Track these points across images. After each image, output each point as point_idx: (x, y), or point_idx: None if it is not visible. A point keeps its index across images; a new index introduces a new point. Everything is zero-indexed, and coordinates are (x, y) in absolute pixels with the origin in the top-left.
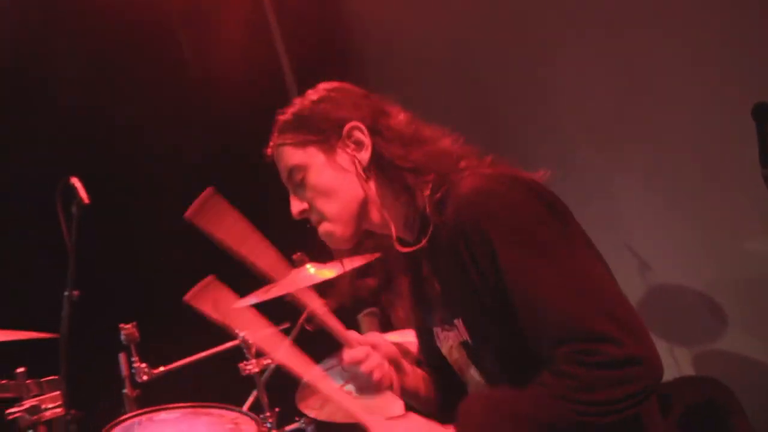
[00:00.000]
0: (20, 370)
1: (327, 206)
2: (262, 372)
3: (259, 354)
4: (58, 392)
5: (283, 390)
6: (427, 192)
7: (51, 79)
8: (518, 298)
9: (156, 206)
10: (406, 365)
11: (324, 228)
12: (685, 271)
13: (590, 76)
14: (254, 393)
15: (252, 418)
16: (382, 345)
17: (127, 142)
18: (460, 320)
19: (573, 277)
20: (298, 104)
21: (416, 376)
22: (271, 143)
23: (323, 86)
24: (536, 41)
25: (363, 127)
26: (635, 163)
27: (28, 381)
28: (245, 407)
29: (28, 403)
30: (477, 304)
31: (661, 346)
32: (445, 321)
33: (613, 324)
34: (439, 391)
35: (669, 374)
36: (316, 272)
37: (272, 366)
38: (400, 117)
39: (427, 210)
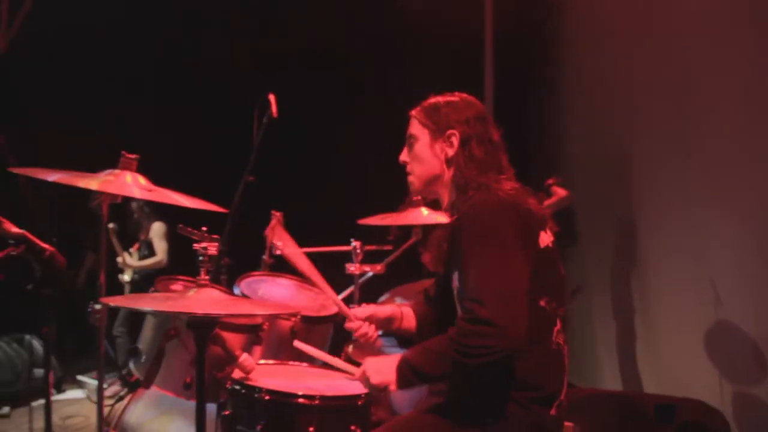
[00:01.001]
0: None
1: (415, 167)
2: (360, 275)
3: (363, 261)
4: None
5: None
6: (468, 192)
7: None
8: (462, 269)
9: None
10: (399, 315)
11: (409, 178)
12: (756, 317)
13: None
14: (350, 288)
15: (338, 305)
16: (375, 314)
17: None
18: (456, 274)
19: (491, 269)
20: (438, 99)
21: (408, 320)
22: (413, 111)
23: (458, 95)
24: None
25: (458, 137)
26: (737, 205)
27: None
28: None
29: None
30: None
31: (711, 375)
32: (452, 272)
33: (496, 301)
34: (426, 322)
35: (712, 399)
36: (428, 215)
37: (370, 273)
38: (483, 143)
39: (459, 203)
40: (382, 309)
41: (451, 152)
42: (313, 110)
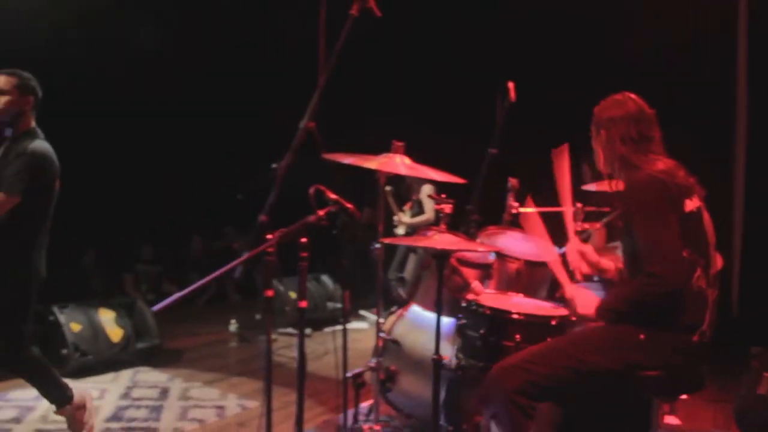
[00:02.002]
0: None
1: (599, 149)
2: (582, 232)
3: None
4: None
5: None
6: (627, 171)
7: None
8: (632, 232)
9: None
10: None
11: (595, 155)
12: None
13: None
14: None
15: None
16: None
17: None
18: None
19: (651, 233)
20: (617, 98)
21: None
22: (598, 106)
23: (627, 95)
24: None
25: (624, 131)
26: None
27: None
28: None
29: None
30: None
31: None
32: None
33: (657, 257)
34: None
35: None
36: None
37: (591, 230)
38: (634, 135)
39: (623, 178)
40: (593, 254)
41: (617, 141)
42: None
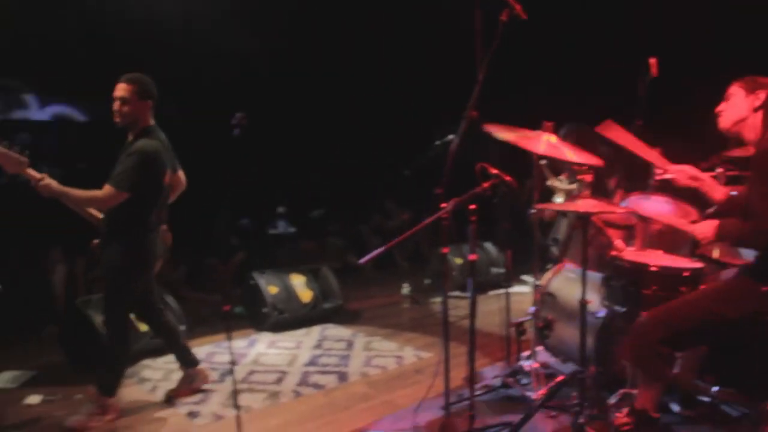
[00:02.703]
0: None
1: (725, 111)
2: None
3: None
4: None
5: None
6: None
7: None
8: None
9: None
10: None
11: (719, 119)
12: None
13: None
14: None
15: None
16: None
17: None
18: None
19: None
20: (755, 77)
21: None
22: (735, 81)
23: None
24: None
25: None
26: None
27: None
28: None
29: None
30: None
31: None
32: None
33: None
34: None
35: None
36: None
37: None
38: None
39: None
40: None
41: (758, 103)
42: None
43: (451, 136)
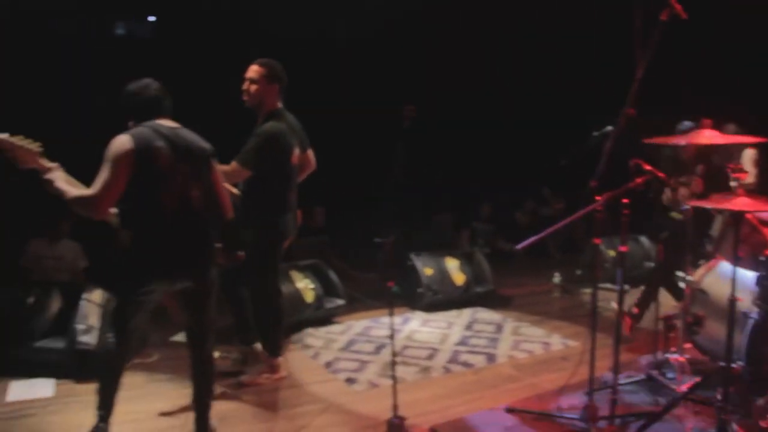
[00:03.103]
0: None
1: None
2: None
3: None
4: None
5: None
6: None
7: None
8: None
9: None
10: None
11: None
12: None
13: None
14: None
15: None
16: None
17: None
18: None
19: None
20: None
21: None
22: None
23: None
24: None
25: None
26: None
27: None
28: None
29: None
30: None
31: None
32: None
33: None
34: None
35: None
36: None
37: None
38: None
39: None
40: None
41: None
42: None
43: (609, 128)
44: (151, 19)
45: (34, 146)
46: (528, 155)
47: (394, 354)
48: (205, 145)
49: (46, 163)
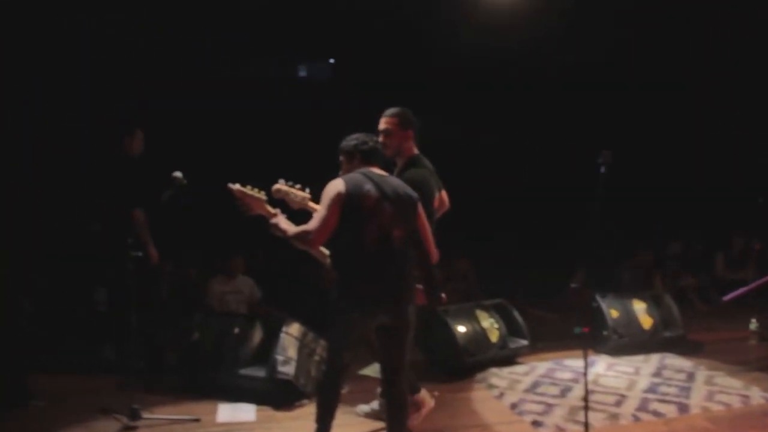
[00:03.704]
0: None
1: None
2: None
3: None
4: None
5: None
6: None
7: None
8: None
9: None
10: None
11: None
12: None
13: None
14: None
15: None
16: None
17: None
18: None
19: None
20: None
21: None
22: None
23: None
24: None
25: None
26: None
27: None
28: None
29: None
30: None
31: None
32: None
33: None
34: None
35: None
36: None
37: None
38: None
39: None
40: None
41: None
42: None
43: None
44: (331, 61)
45: (261, 195)
46: (720, 192)
47: (587, 400)
48: (411, 192)
49: (271, 209)
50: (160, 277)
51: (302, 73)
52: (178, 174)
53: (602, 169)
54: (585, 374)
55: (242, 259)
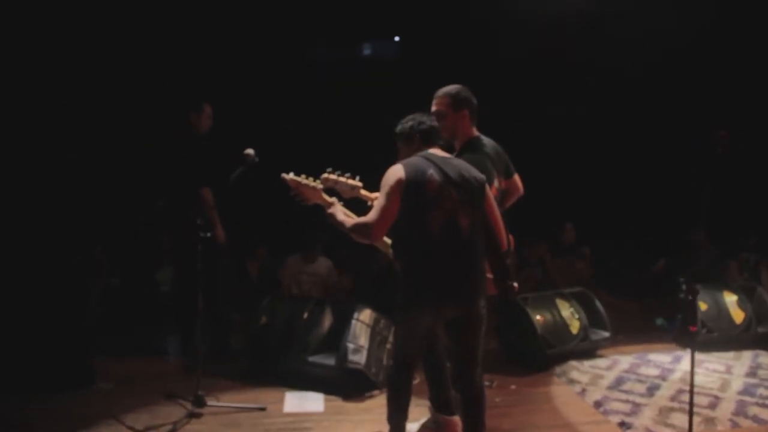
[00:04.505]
0: None
1: None
2: None
3: None
4: None
5: None
6: None
7: None
8: None
9: None
10: None
11: None
12: None
13: None
14: None
15: None
16: None
17: None
18: None
19: None
20: None
21: None
22: None
23: None
24: None
25: None
26: None
27: None
28: None
29: None
30: None
31: None
32: None
33: None
34: None
35: None
36: None
37: None
38: None
39: None
40: None
41: None
42: None
43: None
44: (396, 39)
45: (316, 184)
46: None
47: (692, 405)
48: (477, 174)
49: (328, 198)
50: (225, 258)
51: (367, 52)
52: (250, 151)
53: (718, 150)
54: (691, 374)
55: (322, 242)
